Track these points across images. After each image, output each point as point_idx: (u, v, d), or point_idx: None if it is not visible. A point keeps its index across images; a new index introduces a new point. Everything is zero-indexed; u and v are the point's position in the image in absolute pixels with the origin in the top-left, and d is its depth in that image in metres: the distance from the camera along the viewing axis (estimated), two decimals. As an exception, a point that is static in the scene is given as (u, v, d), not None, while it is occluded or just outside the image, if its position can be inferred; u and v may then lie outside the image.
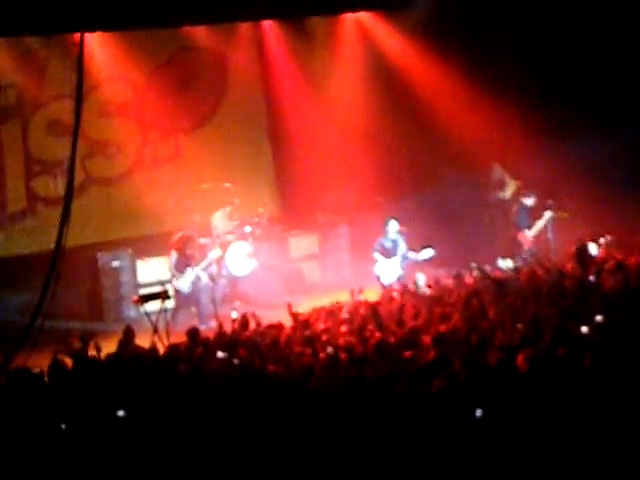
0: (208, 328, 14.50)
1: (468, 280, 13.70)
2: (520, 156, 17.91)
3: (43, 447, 8.31)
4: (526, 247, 16.17)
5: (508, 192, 17.95)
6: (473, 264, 14.19)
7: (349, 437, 7.77)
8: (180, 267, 15.95)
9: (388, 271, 15.45)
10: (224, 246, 17.25)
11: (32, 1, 14.64)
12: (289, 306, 12.86)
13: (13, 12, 14.55)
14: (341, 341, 10.62)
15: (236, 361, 10.19)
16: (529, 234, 16.29)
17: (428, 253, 15.24)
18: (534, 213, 16.63)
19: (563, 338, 9.62)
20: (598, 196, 16.49)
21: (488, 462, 7.38)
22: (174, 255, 16.04)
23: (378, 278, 15.39)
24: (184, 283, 15.95)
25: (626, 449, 7.31)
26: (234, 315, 13.12)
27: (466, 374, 8.49)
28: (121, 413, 8.84)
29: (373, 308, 11.98)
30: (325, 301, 13.94)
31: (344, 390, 8.56)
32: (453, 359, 9.13)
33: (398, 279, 15.31)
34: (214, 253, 16.30)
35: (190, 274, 15.92)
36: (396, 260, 15.48)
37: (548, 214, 16.24)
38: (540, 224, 16.33)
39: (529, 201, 16.54)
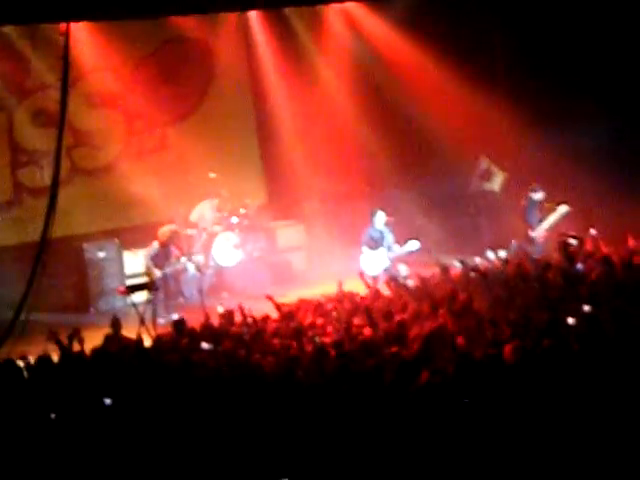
0: (167, 321, 14.41)
1: (453, 273, 13.68)
2: (510, 147, 17.94)
3: (30, 439, 8.30)
4: (540, 242, 15.76)
5: (496, 184, 17.94)
6: (456, 258, 14.15)
7: (336, 429, 7.78)
8: (158, 261, 15.76)
9: (374, 262, 15.44)
10: (211, 237, 17.25)
11: (17, -10, 14.56)
12: (270, 298, 12.83)
13: (-2, 2, 14.47)
14: (327, 336, 10.62)
15: (223, 354, 10.16)
16: (542, 229, 15.93)
17: (414, 245, 15.23)
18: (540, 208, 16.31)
19: (550, 329, 9.65)
20: (593, 188, 16.47)
21: (476, 454, 7.40)
22: (155, 247, 15.87)
23: (363, 270, 15.33)
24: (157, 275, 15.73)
25: (615, 439, 7.34)
26: (220, 309, 13.09)
27: (453, 367, 8.51)
28: (108, 401, 8.84)
29: (361, 303, 11.96)
30: (312, 292, 13.94)
31: (331, 382, 8.57)
32: (440, 353, 9.13)
33: (385, 270, 15.28)
34: None
35: (164, 270, 15.75)
36: (382, 251, 15.46)
37: (563, 208, 15.86)
38: (553, 218, 16.01)
39: (537, 196, 16.19)
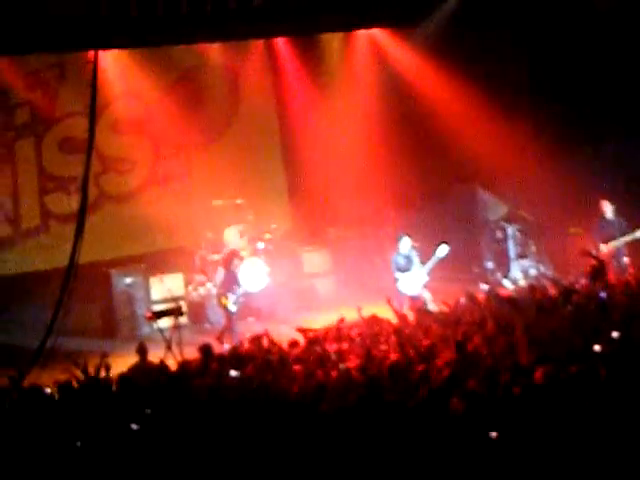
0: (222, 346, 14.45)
1: (481, 299, 13.61)
2: (536, 172, 17.88)
3: (57, 465, 8.31)
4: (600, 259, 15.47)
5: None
6: (484, 285, 14.10)
7: (362, 455, 7.75)
8: (227, 285, 15.55)
9: (413, 282, 15.36)
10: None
11: (46, 20, 14.70)
12: (300, 330, 12.82)
13: (27, 30, 14.63)
14: (351, 361, 10.58)
15: (249, 380, 10.13)
16: (612, 245, 15.79)
17: (444, 250, 15.15)
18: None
19: (578, 355, 9.58)
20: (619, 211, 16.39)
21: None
22: (221, 272, 15.78)
23: (402, 293, 15.27)
24: (232, 301, 15.48)
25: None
26: (247, 335, 13.09)
27: (482, 394, 8.46)
28: (134, 427, 8.84)
29: (387, 328, 11.90)
30: (337, 317, 13.88)
31: (357, 408, 8.54)
32: (469, 379, 9.08)
33: (426, 285, 15.25)
34: None
35: (239, 292, 15.60)
36: (416, 270, 15.40)
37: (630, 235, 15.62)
38: (627, 239, 15.74)
39: (609, 214, 16.01)
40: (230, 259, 15.70)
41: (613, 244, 15.73)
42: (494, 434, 7.70)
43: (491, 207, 18.58)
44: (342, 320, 13.04)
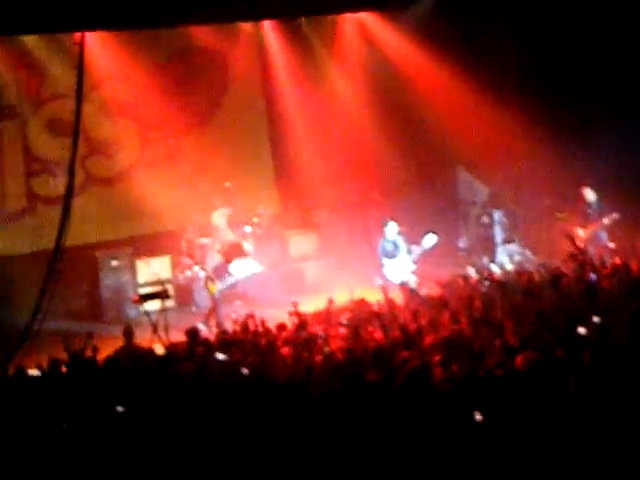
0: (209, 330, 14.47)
1: (468, 281, 13.67)
2: (525, 157, 17.91)
3: (43, 447, 8.31)
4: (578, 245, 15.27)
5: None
6: (471, 267, 14.14)
7: (347, 438, 7.77)
8: (219, 273, 15.70)
9: (398, 270, 15.36)
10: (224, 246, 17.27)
11: (33, 0, 14.62)
12: (294, 305, 12.87)
13: (13, 11, 14.54)
14: (338, 344, 10.62)
15: (243, 368, 10.12)
16: (581, 233, 15.93)
17: (431, 239, 15.11)
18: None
19: (563, 339, 9.63)
20: (609, 198, 16.42)
21: (486, 463, 7.38)
22: (217, 259, 15.87)
23: (386, 279, 15.27)
24: (218, 289, 15.68)
25: (625, 450, 7.31)
26: (234, 315, 13.12)
27: (465, 376, 8.50)
28: (120, 409, 8.84)
29: (374, 311, 11.95)
30: (324, 301, 13.91)
31: (341, 390, 8.56)
32: (453, 361, 9.12)
33: (412, 272, 15.24)
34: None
35: (228, 282, 15.74)
36: (403, 256, 15.38)
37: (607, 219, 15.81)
38: (598, 226, 15.92)
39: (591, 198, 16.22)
40: (233, 254, 15.75)
41: (589, 230, 15.84)
42: (479, 417, 7.74)
43: (475, 190, 18.61)
44: (331, 303, 13.09)
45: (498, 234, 17.81)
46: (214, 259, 15.87)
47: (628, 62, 17.10)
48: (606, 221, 15.75)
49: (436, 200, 18.66)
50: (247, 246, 17.46)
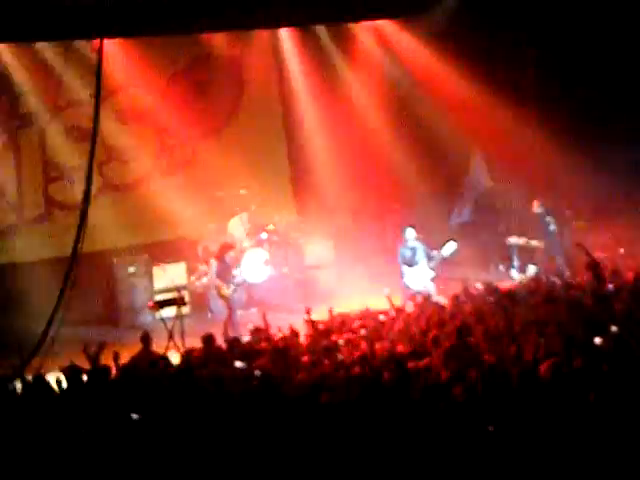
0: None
1: (476, 293, 13.60)
2: (542, 164, 17.86)
3: (59, 453, 8.33)
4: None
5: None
6: (478, 282, 14.08)
7: (363, 447, 7.76)
8: (223, 275, 15.46)
9: (418, 277, 15.34)
10: (240, 253, 17.29)
11: (51, 8, 14.69)
12: (308, 312, 12.86)
13: (32, 18, 14.60)
14: (353, 352, 10.61)
15: (257, 372, 10.11)
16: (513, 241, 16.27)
17: (451, 247, 15.08)
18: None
19: (580, 349, 9.59)
20: (620, 206, 16.39)
21: (503, 472, 7.36)
22: (214, 264, 15.71)
23: (408, 287, 15.26)
24: (231, 290, 15.41)
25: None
26: (250, 326, 13.10)
27: (484, 386, 8.47)
28: (135, 416, 8.85)
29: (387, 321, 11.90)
30: (340, 309, 13.90)
31: (357, 401, 8.56)
32: (470, 371, 9.09)
33: (432, 280, 15.20)
34: None
35: (236, 281, 15.50)
36: (422, 265, 15.35)
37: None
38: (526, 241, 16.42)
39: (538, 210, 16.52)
40: (224, 251, 15.57)
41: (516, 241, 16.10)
42: (491, 428, 7.72)
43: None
44: (346, 312, 13.08)
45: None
46: (212, 267, 15.80)
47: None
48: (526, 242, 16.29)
49: (453, 208, 18.61)
50: (262, 253, 17.48)
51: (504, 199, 18.45)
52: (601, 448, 7.44)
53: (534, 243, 16.74)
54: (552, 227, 16.72)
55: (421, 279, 15.29)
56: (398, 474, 7.48)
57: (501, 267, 17.39)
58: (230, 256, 15.60)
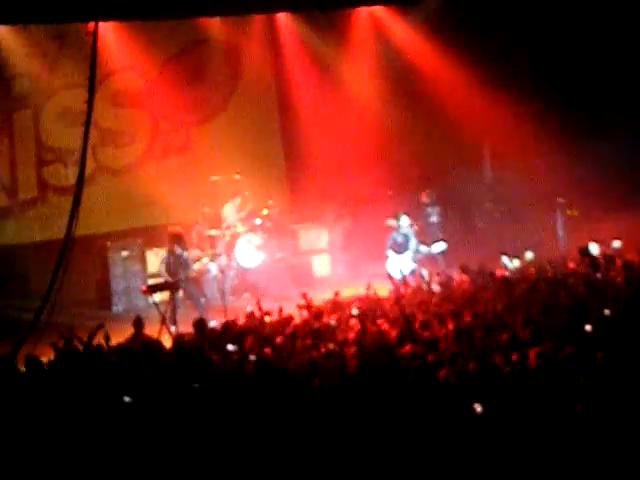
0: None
1: (473, 278, 13.64)
2: (537, 153, 17.88)
3: (52, 435, 8.34)
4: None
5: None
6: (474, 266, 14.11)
7: (353, 430, 7.78)
8: (169, 268, 14.94)
9: (400, 266, 15.40)
10: (234, 238, 17.30)
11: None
12: (304, 296, 12.89)
13: (27, 1, 14.56)
14: (347, 335, 10.63)
15: (251, 357, 10.12)
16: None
17: (441, 246, 15.17)
18: None
19: (570, 336, 9.62)
20: (615, 196, 16.42)
21: (491, 457, 7.39)
22: (165, 257, 15.29)
23: (389, 274, 15.33)
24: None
25: (631, 447, 7.31)
26: (249, 308, 13.10)
27: (474, 370, 8.50)
28: (127, 399, 8.86)
29: (382, 304, 11.92)
30: (333, 294, 13.91)
31: (352, 382, 8.57)
32: (463, 354, 9.13)
33: (411, 273, 15.23)
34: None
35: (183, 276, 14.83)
36: (408, 254, 15.41)
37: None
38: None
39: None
40: (173, 241, 14.99)
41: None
42: (479, 409, 7.75)
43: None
44: (337, 295, 13.10)
45: None
46: (165, 259, 15.14)
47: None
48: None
49: (447, 196, 18.60)
50: (256, 238, 17.47)
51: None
52: (589, 432, 7.47)
53: None
54: (433, 218, 16.78)
55: (402, 267, 15.32)
56: (391, 458, 7.51)
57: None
58: (179, 249, 14.99)
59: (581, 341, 9.34)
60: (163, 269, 15.13)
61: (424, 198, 17.11)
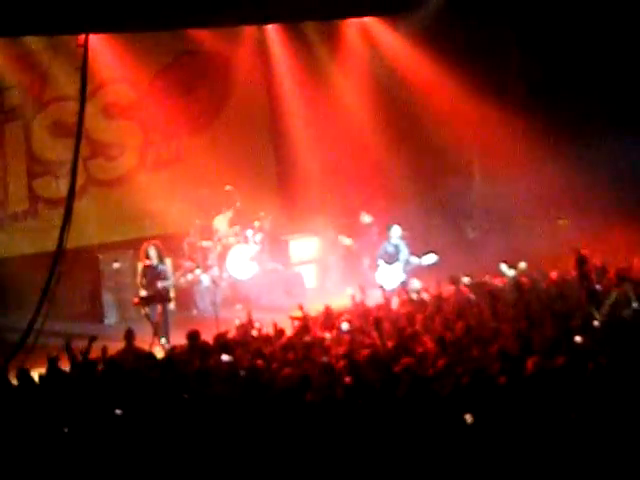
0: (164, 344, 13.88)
1: (463, 289, 13.66)
2: (526, 163, 17.91)
3: (44, 448, 8.31)
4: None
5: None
6: (465, 276, 14.13)
7: (345, 443, 7.78)
8: (142, 281, 14.61)
9: (390, 277, 15.42)
10: (226, 249, 17.29)
11: (37, 2, 14.63)
12: (300, 307, 12.89)
13: (17, 13, 14.54)
14: (338, 349, 10.63)
15: (242, 372, 10.10)
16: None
17: (431, 258, 15.17)
18: None
19: (562, 347, 9.64)
20: (605, 203, 16.46)
21: (486, 467, 7.40)
22: (140, 267, 15.01)
23: (380, 284, 15.35)
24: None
25: (623, 455, 7.33)
26: (237, 322, 13.10)
27: (469, 381, 8.51)
28: (119, 412, 8.85)
29: (375, 318, 11.92)
30: (322, 306, 13.91)
31: (343, 397, 8.57)
32: (455, 366, 9.14)
33: (401, 284, 15.25)
34: None
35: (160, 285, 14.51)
36: (398, 265, 15.43)
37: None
38: None
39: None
40: (143, 255, 14.73)
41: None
42: (470, 419, 7.76)
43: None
44: (329, 308, 13.10)
45: None
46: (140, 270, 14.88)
47: (631, 73, 17.16)
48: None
49: (440, 207, 18.66)
50: (248, 249, 17.47)
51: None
52: (583, 441, 7.49)
53: None
54: (375, 238, 16.85)
55: (392, 278, 15.34)
56: (383, 470, 7.50)
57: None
58: (149, 260, 14.65)
59: (571, 353, 9.39)
60: (138, 281, 14.85)
61: (364, 218, 17.42)
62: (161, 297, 14.47)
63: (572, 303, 11.87)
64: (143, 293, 14.53)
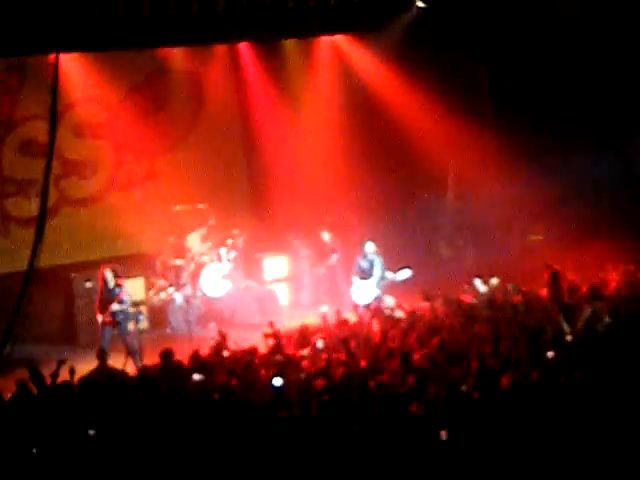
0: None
1: (437, 306, 13.68)
2: (499, 179, 18.01)
3: (15, 471, 8.24)
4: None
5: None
6: (438, 293, 14.17)
7: (319, 459, 7.76)
8: (99, 304, 14.73)
9: (364, 292, 15.44)
10: (199, 267, 17.24)
11: (7, 21, 14.58)
12: (271, 325, 12.87)
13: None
14: (312, 366, 10.61)
15: (215, 393, 10.05)
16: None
17: (405, 274, 15.20)
18: None
19: (535, 362, 9.68)
20: (578, 222, 16.58)
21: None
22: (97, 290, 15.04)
23: (354, 300, 15.37)
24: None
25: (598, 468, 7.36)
26: (211, 342, 13.05)
27: (442, 399, 8.52)
28: (92, 432, 8.79)
29: (344, 337, 11.90)
30: (298, 323, 13.91)
31: (318, 415, 8.55)
32: (428, 384, 9.14)
33: (375, 299, 15.26)
34: None
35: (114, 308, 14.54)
36: (372, 281, 15.45)
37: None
38: None
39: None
40: (101, 279, 14.81)
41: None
42: (444, 435, 7.77)
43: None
44: (304, 326, 13.10)
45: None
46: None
47: (602, 89, 17.32)
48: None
49: (412, 223, 18.70)
50: (221, 267, 17.43)
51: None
52: (559, 455, 7.52)
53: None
54: (334, 257, 17.29)
55: (365, 295, 15.36)
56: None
57: None
58: (107, 280, 14.75)
59: (544, 368, 9.42)
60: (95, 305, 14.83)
61: (324, 237, 17.57)
62: (115, 321, 14.38)
63: (544, 318, 11.91)
64: (99, 317, 14.49)
